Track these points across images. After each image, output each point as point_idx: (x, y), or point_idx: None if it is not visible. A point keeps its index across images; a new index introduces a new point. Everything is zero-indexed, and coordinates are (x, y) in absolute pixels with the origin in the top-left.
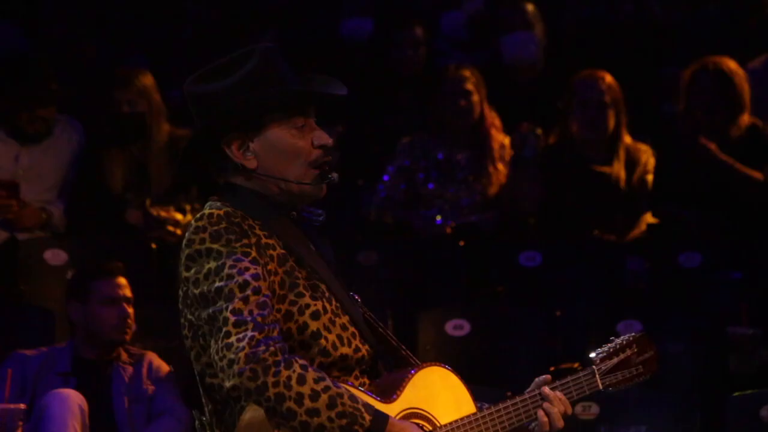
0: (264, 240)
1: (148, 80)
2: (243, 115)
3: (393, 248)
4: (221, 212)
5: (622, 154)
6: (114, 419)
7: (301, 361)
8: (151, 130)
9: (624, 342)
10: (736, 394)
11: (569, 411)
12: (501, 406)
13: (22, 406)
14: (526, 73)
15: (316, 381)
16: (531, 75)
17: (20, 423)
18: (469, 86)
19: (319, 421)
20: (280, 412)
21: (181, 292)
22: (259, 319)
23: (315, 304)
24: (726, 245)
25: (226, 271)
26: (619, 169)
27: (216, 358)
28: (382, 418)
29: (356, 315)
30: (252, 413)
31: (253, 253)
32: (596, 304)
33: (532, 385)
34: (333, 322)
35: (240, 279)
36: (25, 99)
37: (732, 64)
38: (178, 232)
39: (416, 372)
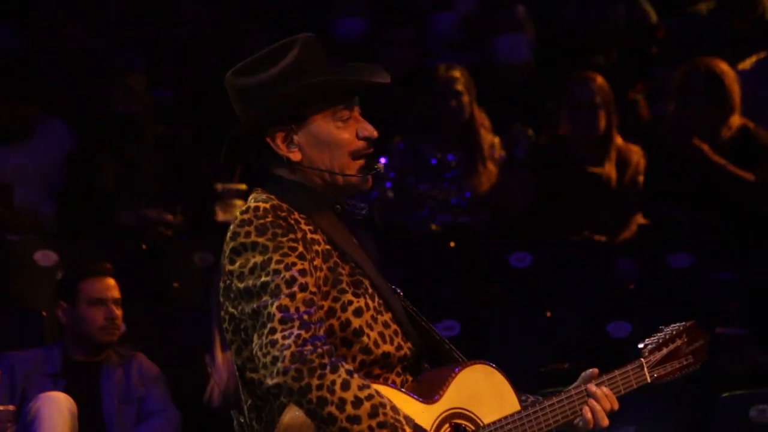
0: (310, 235)
1: (141, 81)
2: (286, 107)
3: (383, 249)
4: (267, 205)
5: (613, 154)
6: (103, 420)
7: (347, 366)
8: (144, 131)
9: (674, 332)
10: (726, 394)
11: (615, 407)
12: (546, 403)
13: (11, 407)
14: (518, 74)
15: (361, 388)
16: (523, 76)
17: (9, 425)
18: (460, 87)
19: (359, 428)
20: (320, 415)
21: (222, 285)
22: (305, 317)
23: (358, 301)
24: (716, 246)
25: (272, 266)
26: (610, 170)
27: (259, 354)
28: None
29: (399, 311)
30: (292, 414)
31: (300, 248)
32: (587, 305)
33: (579, 380)
34: (375, 320)
35: (287, 275)
36: (6, 96)
37: (723, 65)
38: (169, 233)
39: (460, 370)
